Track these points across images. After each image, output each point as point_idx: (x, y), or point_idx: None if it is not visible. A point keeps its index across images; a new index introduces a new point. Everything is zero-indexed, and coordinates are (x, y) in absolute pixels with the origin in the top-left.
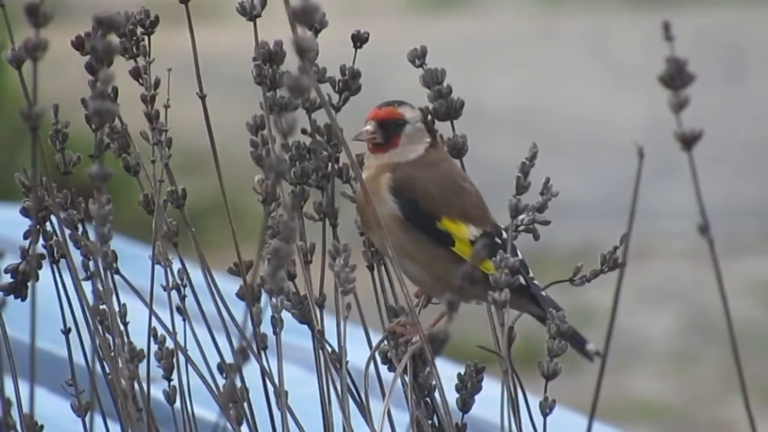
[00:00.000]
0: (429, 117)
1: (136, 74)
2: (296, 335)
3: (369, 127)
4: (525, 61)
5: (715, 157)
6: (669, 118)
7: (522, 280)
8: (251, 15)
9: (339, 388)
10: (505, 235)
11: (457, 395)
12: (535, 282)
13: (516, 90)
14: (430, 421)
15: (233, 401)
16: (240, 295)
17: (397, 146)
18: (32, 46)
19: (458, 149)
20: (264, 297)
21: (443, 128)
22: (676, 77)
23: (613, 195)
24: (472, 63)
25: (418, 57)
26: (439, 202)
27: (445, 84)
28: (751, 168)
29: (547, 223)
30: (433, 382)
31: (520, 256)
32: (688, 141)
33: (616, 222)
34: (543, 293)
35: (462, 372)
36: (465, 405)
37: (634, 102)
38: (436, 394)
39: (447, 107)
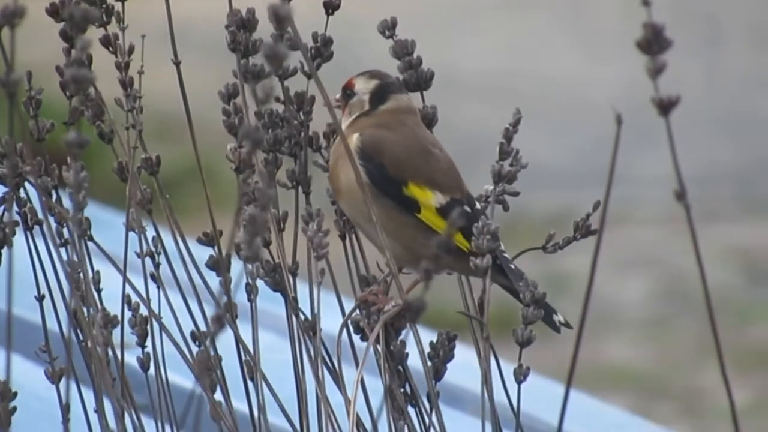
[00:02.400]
0: (390, 87)
1: (107, 42)
2: (269, 302)
3: (338, 95)
4: (499, 27)
5: (691, 123)
6: (644, 84)
7: None
8: None
9: (312, 355)
10: (478, 205)
11: (429, 363)
12: (505, 254)
13: (490, 56)
14: (402, 390)
15: (207, 369)
16: (210, 265)
17: (343, 114)
18: (10, 13)
19: (428, 120)
20: (235, 265)
21: (414, 99)
22: (654, 43)
23: (588, 161)
24: (445, 29)
25: (387, 28)
26: (406, 166)
27: (415, 54)
28: (726, 134)
29: (516, 194)
30: (407, 351)
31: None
32: (665, 107)
33: (591, 188)
34: (512, 265)
35: (434, 340)
36: (437, 373)
37: (609, 68)
38: (410, 362)
39: (417, 78)
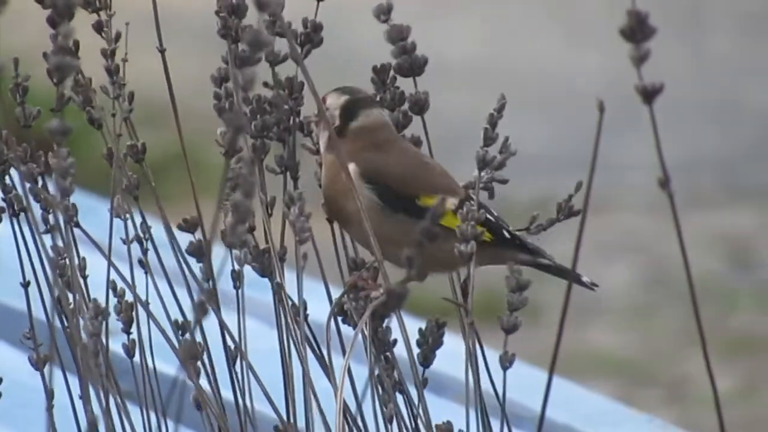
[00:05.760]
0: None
1: (99, 28)
2: (255, 289)
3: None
4: (482, 14)
5: (675, 110)
6: (627, 71)
7: (506, 233)
8: None
9: (298, 341)
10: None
11: (417, 350)
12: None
13: (473, 44)
14: (388, 377)
15: (193, 356)
16: (190, 251)
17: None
18: None
19: (420, 105)
20: (219, 251)
21: (406, 84)
22: (637, 30)
23: (572, 148)
24: (428, 17)
25: (383, 12)
26: (412, 181)
27: (409, 40)
28: (711, 121)
29: (505, 181)
30: (392, 338)
31: (495, 213)
32: (649, 94)
33: (575, 175)
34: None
35: (422, 327)
36: (426, 360)
37: (593, 55)
38: (396, 350)
39: (411, 63)
